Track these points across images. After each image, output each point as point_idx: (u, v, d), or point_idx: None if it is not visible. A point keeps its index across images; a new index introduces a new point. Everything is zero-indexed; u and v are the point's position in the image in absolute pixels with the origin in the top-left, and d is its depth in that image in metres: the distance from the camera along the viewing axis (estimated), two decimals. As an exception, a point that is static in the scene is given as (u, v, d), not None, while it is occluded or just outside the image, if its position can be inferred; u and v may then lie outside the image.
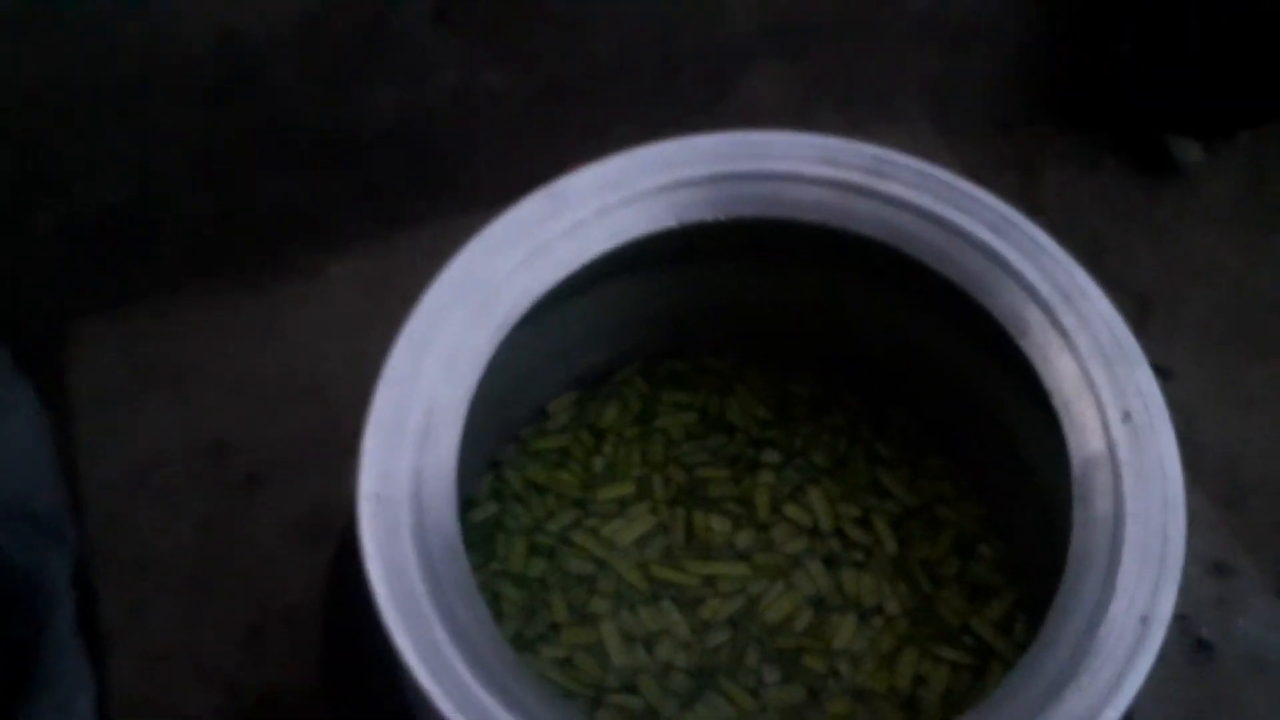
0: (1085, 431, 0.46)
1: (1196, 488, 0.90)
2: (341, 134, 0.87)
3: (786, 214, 0.52)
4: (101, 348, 0.91)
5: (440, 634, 0.42)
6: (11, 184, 0.81)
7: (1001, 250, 0.50)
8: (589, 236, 0.51)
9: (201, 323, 0.92)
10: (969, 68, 1.09)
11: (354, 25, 0.81)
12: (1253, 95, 1.10)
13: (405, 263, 0.52)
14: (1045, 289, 0.49)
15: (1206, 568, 0.87)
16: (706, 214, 0.52)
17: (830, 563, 0.59)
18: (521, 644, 0.57)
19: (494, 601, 0.58)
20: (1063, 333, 0.48)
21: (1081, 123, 1.14)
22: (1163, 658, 0.84)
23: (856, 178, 0.52)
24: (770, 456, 0.62)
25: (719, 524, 0.60)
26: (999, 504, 0.60)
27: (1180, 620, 0.84)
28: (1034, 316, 0.49)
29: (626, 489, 0.61)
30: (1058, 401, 0.47)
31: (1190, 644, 0.83)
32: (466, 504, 0.61)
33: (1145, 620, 0.42)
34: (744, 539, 0.60)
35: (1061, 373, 0.48)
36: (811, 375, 0.65)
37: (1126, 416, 0.46)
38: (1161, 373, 1.05)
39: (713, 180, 0.52)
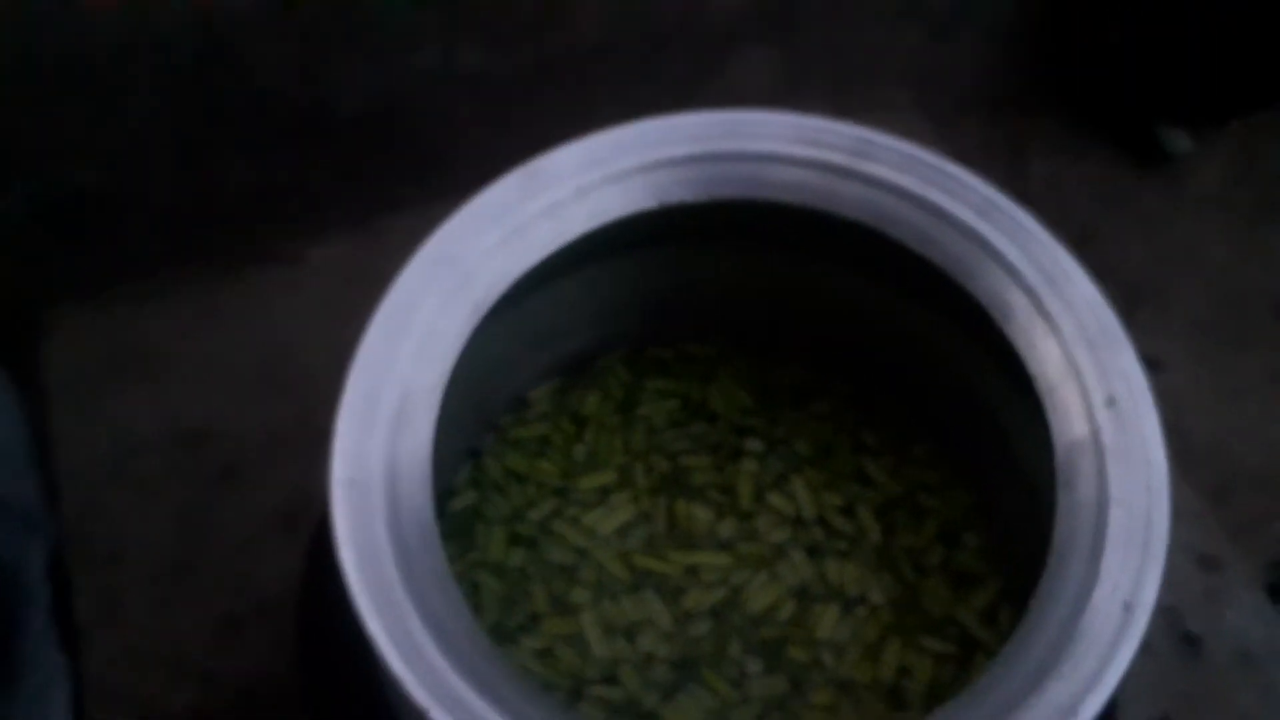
0: (1069, 416, 0.46)
1: (1184, 480, 0.91)
2: (319, 116, 0.87)
3: (768, 195, 0.51)
4: (75, 335, 0.90)
5: (414, 621, 0.41)
6: (-21, 166, 0.80)
7: (986, 233, 0.49)
8: (568, 217, 0.50)
9: (178, 310, 0.91)
10: (957, 53, 1.09)
11: (330, 3, 0.80)
12: (1243, 84, 1.10)
13: (385, 248, 0.52)
14: (1030, 273, 0.48)
15: (1194, 560, 0.87)
16: (687, 195, 0.51)
17: (814, 552, 0.59)
18: (501, 634, 0.56)
19: (473, 592, 0.58)
20: (1047, 317, 0.48)
21: (1071, 110, 1.14)
22: (1150, 651, 0.85)
23: (840, 159, 0.51)
24: (754, 445, 0.62)
25: (702, 513, 0.60)
26: (985, 492, 0.60)
27: (1167, 613, 0.84)
28: (1018, 300, 0.48)
29: (608, 478, 0.61)
30: (1041, 386, 0.47)
31: (1178, 637, 0.83)
32: (445, 493, 0.60)
33: (1129, 607, 0.42)
34: (727, 528, 0.59)
35: (1045, 357, 0.47)
36: (796, 362, 0.64)
37: (1111, 401, 0.46)
38: (1150, 363, 1.05)
39: (694, 160, 0.51)
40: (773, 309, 0.62)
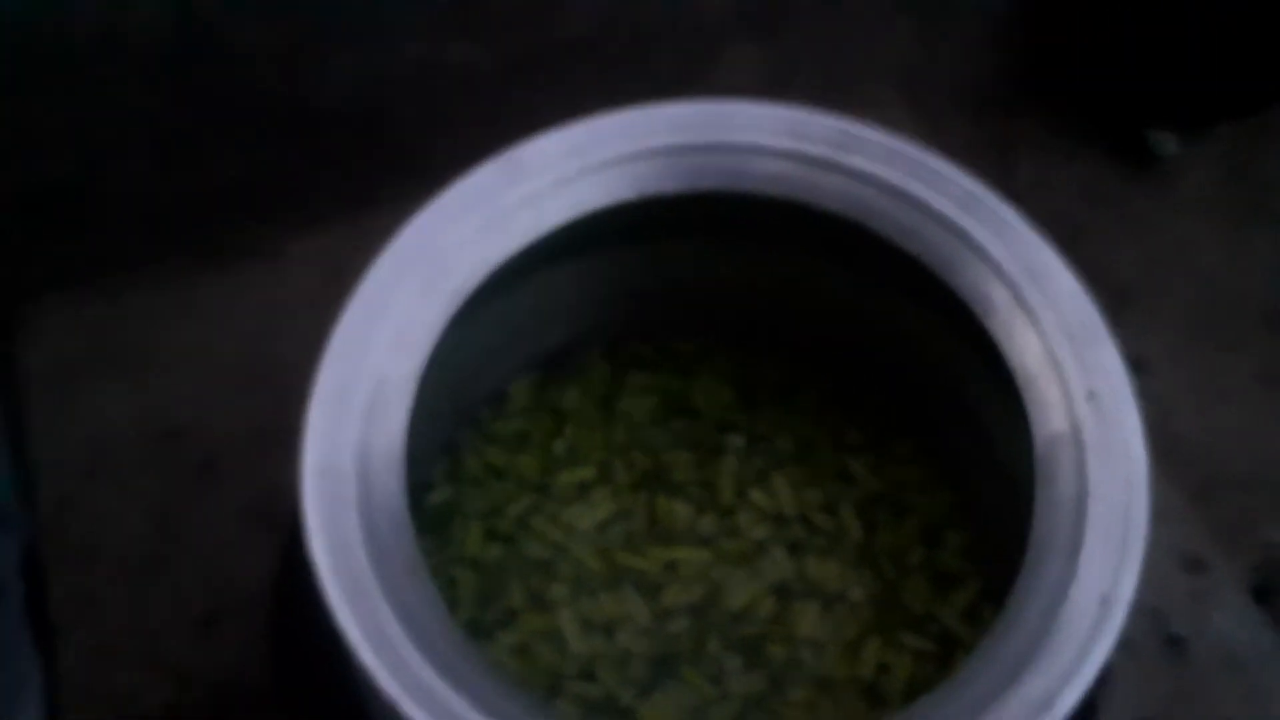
0: (1049, 410, 0.46)
1: (1170, 481, 0.91)
2: (304, 108, 0.86)
3: (749, 187, 0.51)
4: (51, 329, 0.90)
5: (385, 612, 0.41)
6: (-48, 157, 0.80)
7: (968, 227, 0.49)
8: (546, 207, 0.50)
9: (155, 303, 0.91)
10: (946, 52, 1.09)
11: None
12: (1232, 88, 1.11)
13: (368, 243, 0.52)
14: (1011, 266, 0.49)
15: (1179, 562, 0.88)
16: (667, 186, 0.51)
17: (794, 549, 0.59)
18: (478, 630, 0.56)
19: (450, 587, 0.57)
20: (1028, 311, 0.48)
21: (1059, 111, 1.14)
22: (1134, 653, 0.85)
23: (822, 151, 0.51)
24: (735, 441, 0.62)
25: (682, 509, 0.60)
26: (967, 490, 0.60)
27: (1152, 615, 0.85)
28: (999, 294, 0.48)
29: (588, 473, 0.61)
30: (1021, 380, 0.47)
31: (1162, 639, 0.84)
32: (422, 487, 0.60)
33: (1106, 601, 0.42)
34: (707, 524, 0.59)
35: (1026, 351, 0.47)
36: (778, 358, 0.64)
37: (1091, 395, 0.46)
38: (1136, 365, 1.05)
39: (674, 151, 0.51)
40: (754, 304, 0.62)
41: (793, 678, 0.55)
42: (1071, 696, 0.40)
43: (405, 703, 0.39)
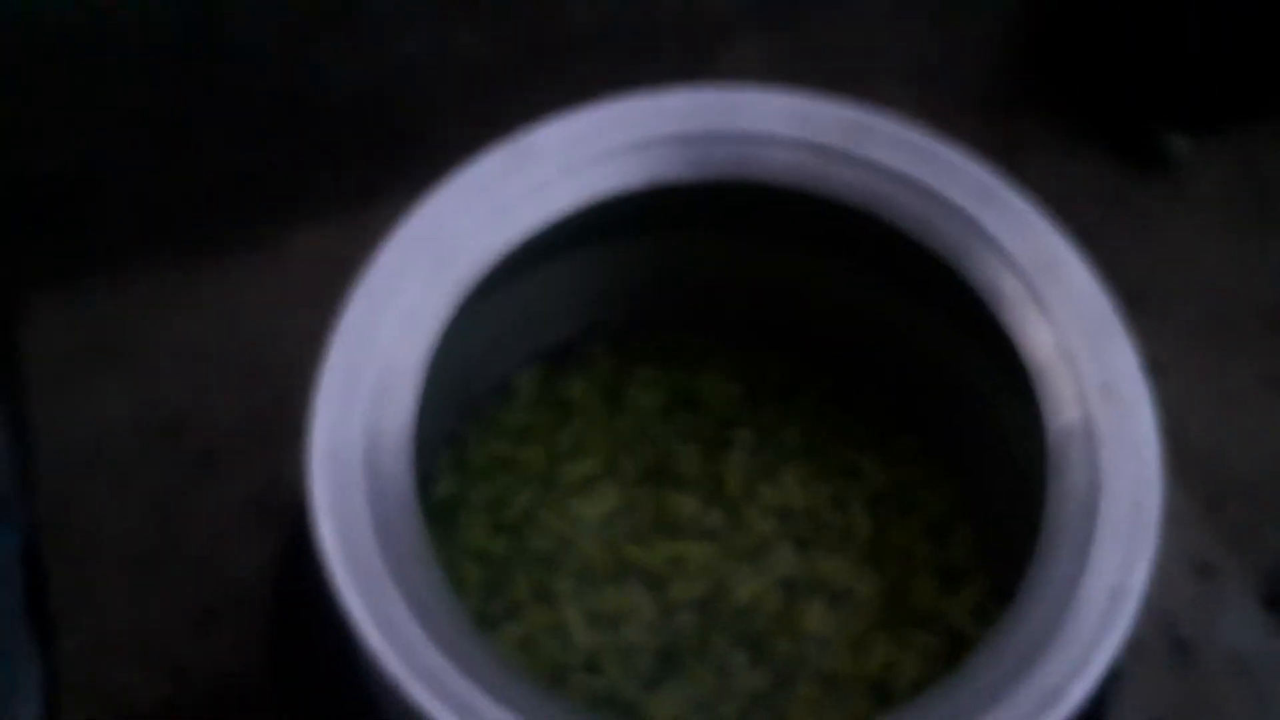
0: (1061, 403, 0.46)
1: (1180, 485, 0.92)
2: (305, 100, 0.87)
3: (759, 177, 0.52)
4: (49, 322, 0.90)
5: (392, 595, 0.41)
6: (-51, 147, 0.80)
7: (981, 218, 0.50)
8: (554, 195, 0.51)
9: (155, 296, 0.91)
10: (957, 52, 1.10)
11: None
12: (1244, 91, 1.11)
13: (369, 237, 0.52)
14: (1024, 258, 0.49)
15: (1189, 567, 0.88)
16: (677, 174, 0.52)
17: (801, 544, 0.59)
18: (482, 622, 0.56)
19: (455, 579, 0.57)
20: (1041, 303, 0.48)
21: (1070, 113, 1.15)
22: (1142, 657, 0.85)
23: (833, 140, 0.52)
24: (741, 435, 0.62)
25: (688, 503, 0.60)
26: (975, 487, 0.60)
27: (1160, 619, 0.85)
28: (1012, 287, 0.49)
29: (594, 466, 0.61)
30: (1034, 373, 0.47)
31: (1170, 643, 0.84)
32: (427, 479, 0.60)
33: (1117, 595, 0.43)
34: (714, 519, 0.60)
35: (1038, 344, 0.48)
36: (785, 352, 0.65)
37: (1104, 388, 0.46)
38: (1151, 368, 1.06)
39: (684, 139, 0.52)
40: (762, 298, 0.63)
41: (799, 673, 0.55)
42: (1081, 689, 0.41)
43: (411, 685, 0.39)
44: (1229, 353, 1.07)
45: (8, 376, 0.83)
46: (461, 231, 0.50)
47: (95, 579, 0.80)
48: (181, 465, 0.85)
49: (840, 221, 0.52)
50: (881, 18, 1.04)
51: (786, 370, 0.65)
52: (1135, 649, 0.82)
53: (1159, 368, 1.03)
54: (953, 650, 0.56)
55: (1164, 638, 0.85)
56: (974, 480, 0.60)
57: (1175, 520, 0.91)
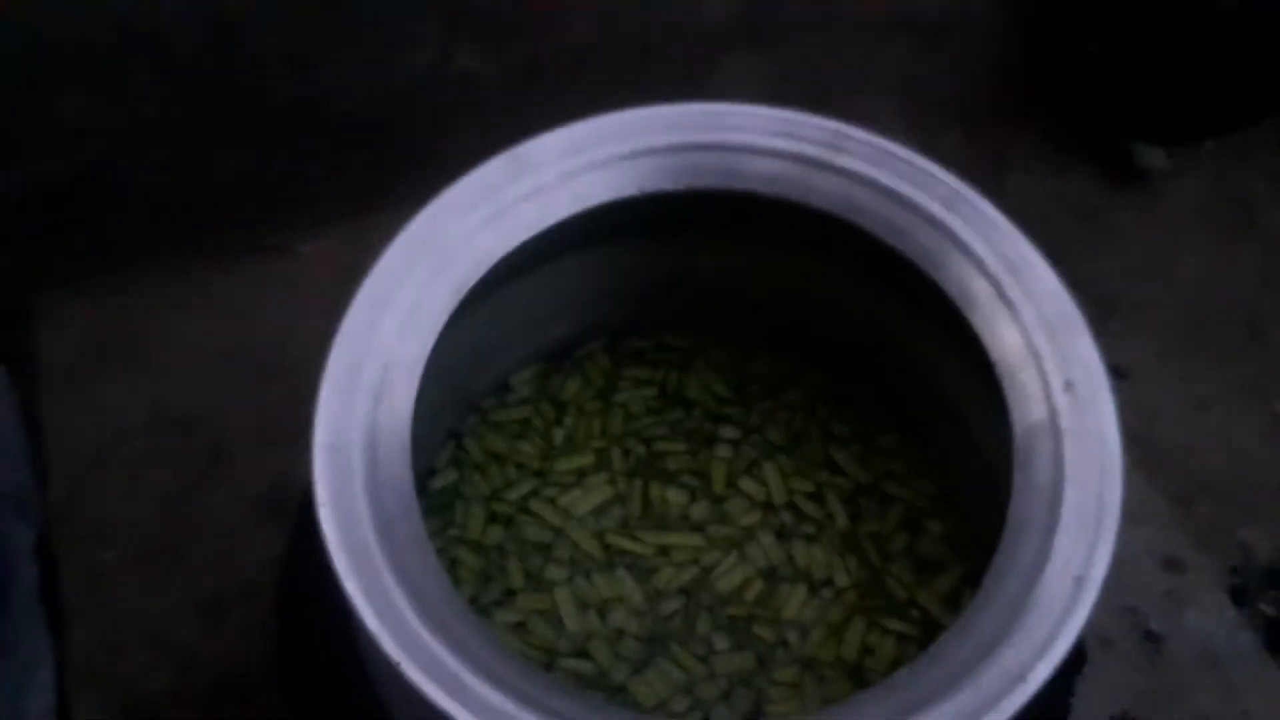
0: (1028, 400, 0.47)
1: (1151, 485, 0.93)
2: (315, 111, 0.88)
3: (745, 186, 0.53)
4: (66, 321, 0.91)
5: (389, 580, 0.42)
6: (-27, 150, 0.81)
7: (952, 224, 0.51)
8: (550, 201, 0.52)
9: (169, 298, 0.93)
10: (940, 66, 1.11)
11: (327, 1, 0.82)
12: (1218, 106, 1.13)
13: (376, 243, 0.53)
14: (993, 262, 0.50)
15: (1158, 562, 0.89)
16: (667, 183, 0.53)
17: (782, 535, 0.60)
18: (477, 609, 0.57)
19: (451, 567, 0.59)
20: (1009, 304, 0.49)
21: (1050, 126, 1.16)
22: (1113, 649, 0.86)
23: (814, 151, 0.53)
24: (727, 432, 0.63)
25: (675, 496, 0.61)
26: (949, 480, 0.61)
27: (1131, 613, 0.86)
28: (982, 289, 0.50)
29: (586, 460, 0.62)
30: (1002, 371, 0.48)
31: (1140, 636, 0.85)
32: (427, 472, 0.61)
33: (1080, 581, 0.43)
34: (699, 511, 0.61)
35: (1007, 343, 0.49)
36: (769, 353, 0.66)
37: (1068, 385, 0.47)
38: (1120, 373, 1.07)
39: (674, 150, 0.53)
40: (748, 301, 0.64)
41: (779, 658, 0.56)
42: (1045, 669, 0.42)
43: (406, 664, 0.40)
44: (1201, 357, 1.08)
45: (21, 376, 0.84)
46: (461, 236, 0.51)
47: (107, 571, 0.81)
48: (192, 462, 0.86)
49: (821, 228, 0.53)
50: (868, 37, 1.05)
51: (770, 370, 0.66)
52: (1106, 641, 0.84)
53: (1132, 372, 1.04)
54: (928, 637, 0.57)
55: (1134, 630, 0.86)
56: (949, 475, 0.61)
57: (1146, 517, 0.93)
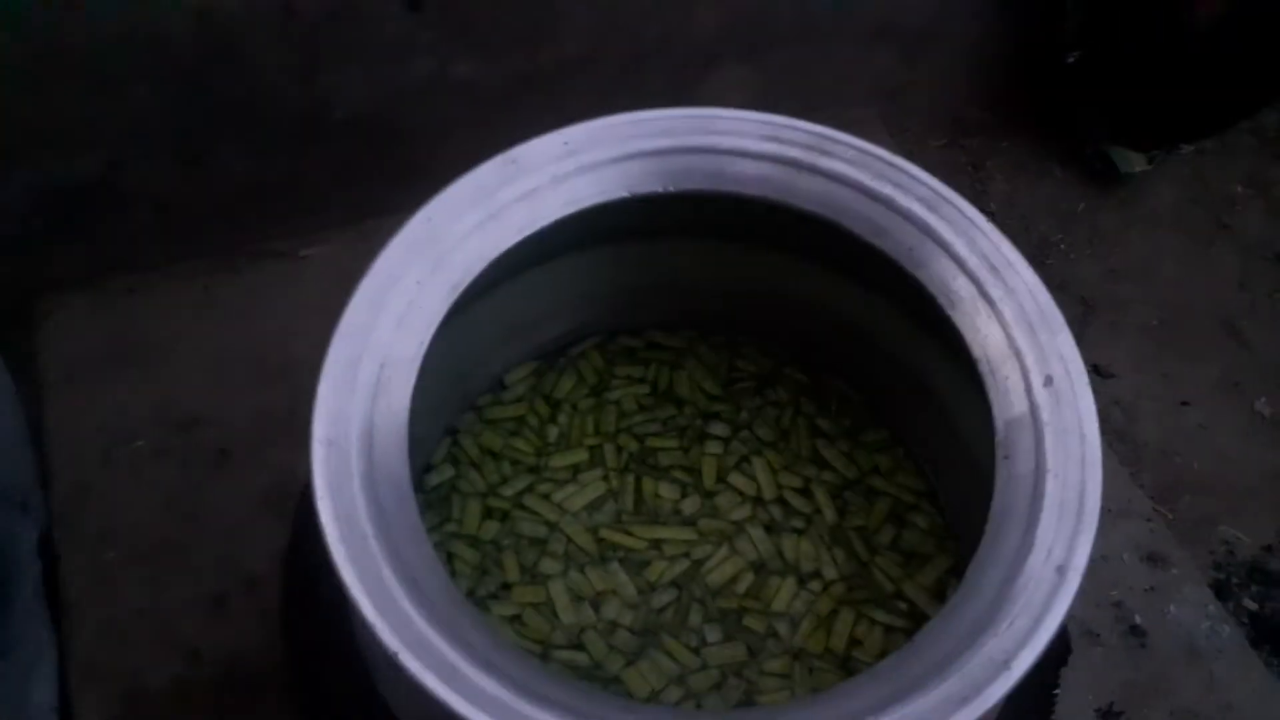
0: (1009, 395, 0.48)
1: (1134, 482, 0.93)
2: (316, 118, 0.88)
3: (731, 188, 0.53)
4: (71, 323, 0.91)
5: (386, 571, 0.42)
6: (-19, 155, 0.81)
7: (934, 224, 0.51)
8: (543, 203, 0.52)
9: (172, 301, 0.92)
10: (924, 75, 1.11)
11: (328, 12, 0.82)
12: (1194, 111, 1.13)
13: (376, 248, 0.53)
14: (974, 261, 0.50)
15: (1142, 558, 0.89)
16: (656, 186, 0.53)
17: (771, 529, 0.60)
18: (474, 602, 0.57)
19: (448, 562, 0.59)
20: (990, 302, 0.49)
21: (1031, 132, 1.17)
22: (1097, 643, 0.86)
23: (799, 154, 0.53)
24: (717, 428, 0.63)
25: (667, 491, 0.61)
26: (935, 474, 0.61)
27: (1115, 607, 0.86)
28: (963, 287, 0.50)
29: (579, 457, 0.62)
30: (984, 368, 0.48)
31: (1125, 630, 0.85)
32: (424, 469, 0.62)
33: (1061, 570, 0.43)
34: (690, 505, 0.61)
35: (988, 340, 0.49)
36: (758, 351, 0.66)
37: (1048, 381, 0.48)
38: (1102, 372, 1.07)
39: (664, 153, 0.53)
40: (736, 301, 0.64)
41: (769, 649, 0.56)
42: (1028, 657, 0.42)
43: (404, 655, 0.40)
44: (1182, 356, 1.08)
45: (25, 378, 0.84)
46: (457, 236, 0.51)
47: (112, 567, 0.81)
48: (195, 461, 0.86)
49: (806, 229, 0.53)
50: (853, 46, 1.06)
51: (759, 367, 0.66)
52: (1091, 635, 0.84)
53: (1114, 372, 1.04)
54: (914, 627, 0.57)
55: (1119, 625, 0.86)
56: (935, 469, 0.61)
57: (1129, 514, 0.93)
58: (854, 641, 0.57)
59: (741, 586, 0.58)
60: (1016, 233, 1.12)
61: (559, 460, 0.62)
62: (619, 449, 0.62)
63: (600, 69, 0.94)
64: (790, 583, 0.58)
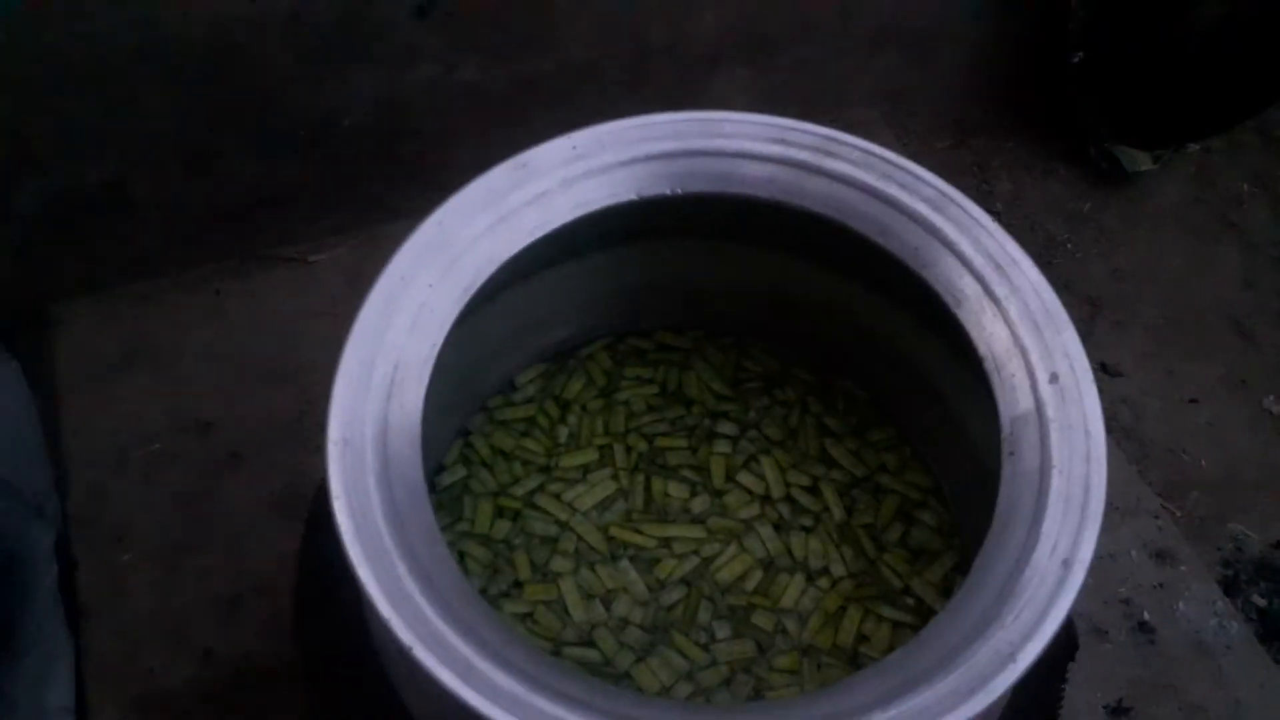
0: (1015, 392, 0.48)
1: (1142, 479, 0.93)
2: (325, 125, 0.89)
3: (740, 190, 0.53)
4: (85, 328, 0.92)
5: (401, 568, 0.43)
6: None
7: (939, 224, 0.52)
8: (553, 206, 0.52)
9: (184, 306, 0.94)
10: (928, 76, 1.12)
11: (336, 19, 0.83)
12: (1199, 111, 1.14)
13: (384, 252, 0.54)
14: (979, 260, 0.51)
15: (1150, 555, 0.90)
16: (665, 188, 0.53)
17: (780, 527, 0.61)
18: (486, 600, 0.58)
19: (460, 560, 0.59)
20: (995, 301, 0.50)
21: (1036, 132, 1.17)
22: (1107, 639, 0.86)
23: (806, 156, 0.54)
24: (726, 428, 0.64)
25: (676, 490, 0.62)
26: (941, 472, 0.62)
27: (1124, 604, 0.86)
28: (969, 286, 0.51)
29: (589, 456, 0.63)
30: (990, 366, 0.49)
31: (1133, 627, 0.85)
32: (436, 469, 0.62)
33: (1067, 564, 0.44)
34: (699, 504, 0.61)
35: (994, 338, 0.49)
36: (766, 352, 0.66)
37: (1054, 378, 0.48)
38: (1109, 371, 1.07)
39: (671, 156, 0.54)
40: (744, 301, 0.65)
41: (778, 646, 0.57)
42: (1034, 649, 0.42)
43: (419, 649, 0.41)
44: (1189, 354, 1.09)
45: (40, 383, 0.85)
46: (468, 240, 0.52)
47: (127, 569, 0.82)
48: (208, 464, 0.87)
49: (812, 230, 0.54)
50: (857, 48, 1.07)
51: (767, 367, 0.66)
52: (1100, 632, 0.84)
53: (1121, 369, 1.05)
54: (922, 623, 0.57)
55: (1128, 621, 0.87)
56: (942, 466, 0.62)
57: (1138, 511, 0.93)
58: (862, 637, 0.57)
59: (750, 584, 0.59)
60: (1022, 232, 1.13)
61: (569, 460, 0.62)
62: (628, 449, 0.63)
63: (605, 73, 0.95)
64: (799, 580, 0.58)
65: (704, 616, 0.57)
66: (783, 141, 0.55)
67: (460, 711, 0.40)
